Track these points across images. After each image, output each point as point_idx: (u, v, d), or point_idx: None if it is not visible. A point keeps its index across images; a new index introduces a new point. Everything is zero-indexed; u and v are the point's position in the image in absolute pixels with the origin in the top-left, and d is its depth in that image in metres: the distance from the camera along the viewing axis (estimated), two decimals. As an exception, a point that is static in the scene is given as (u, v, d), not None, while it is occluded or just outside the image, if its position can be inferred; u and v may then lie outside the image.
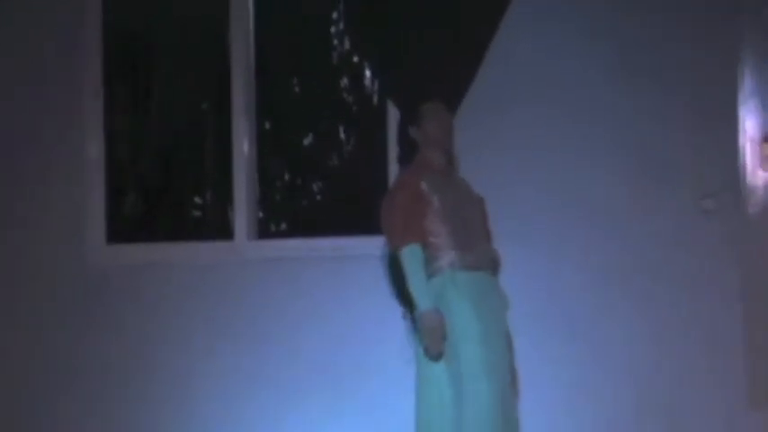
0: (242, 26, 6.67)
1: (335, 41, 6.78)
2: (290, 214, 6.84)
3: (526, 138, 6.25)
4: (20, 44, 6.79)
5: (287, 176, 6.86)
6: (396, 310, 5.77)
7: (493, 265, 5.39)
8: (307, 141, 6.83)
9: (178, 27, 6.92)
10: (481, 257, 5.32)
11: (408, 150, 6.28)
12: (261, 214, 6.78)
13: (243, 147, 6.64)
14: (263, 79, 6.73)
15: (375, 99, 6.70)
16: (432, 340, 5.15)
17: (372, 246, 6.44)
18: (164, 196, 6.95)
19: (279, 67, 6.79)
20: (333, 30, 6.78)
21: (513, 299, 5.44)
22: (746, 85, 6.16)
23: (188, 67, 6.92)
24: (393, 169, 6.40)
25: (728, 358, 6.09)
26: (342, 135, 6.77)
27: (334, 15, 6.79)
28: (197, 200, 6.88)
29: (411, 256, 5.21)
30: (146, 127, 6.97)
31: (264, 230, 6.77)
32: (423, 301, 5.17)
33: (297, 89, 6.86)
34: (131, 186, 6.96)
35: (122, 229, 6.84)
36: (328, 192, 6.81)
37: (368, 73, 6.70)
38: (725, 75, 6.14)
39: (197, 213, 6.89)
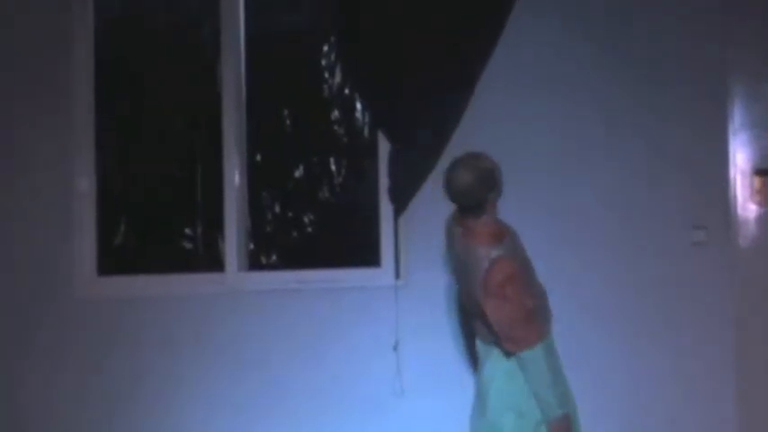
0: (233, 58, 6.69)
1: (326, 74, 6.76)
2: (281, 246, 6.80)
3: (519, 164, 6.24)
4: (9, 76, 6.76)
5: (278, 208, 6.82)
6: (388, 341, 5.76)
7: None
8: (298, 173, 6.80)
9: (169, 59, 6.90)
10: (551, 320, 4.99)
11: (399, 182, 6.29)
12: (252, 246, 6.74)
13: (234, 178, 6.64)
14: (253, 111, 6.72)
15: (366, 131, 6.68)
16: None
17: (363, 277, 6.42)
18: (154, 228, 6.90)
19: (270, 99, 6.77)
20: (324, 62, 6.76)
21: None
22: (737, 119, 6.16)
23: (179, 99, 6.89)
24: (384, 201, 6.39)
25: (720, 389, 6.08)
26: (333, 167, 6.74)
27: (325, 48, 6.76)
28: (188, 231, 6.84)
29: (536, 362, 4.74)
30: (137, 159, 6.93)
31: (255, 262, 6.73)
32: (552, 409, 4.75)
33: (288, 121, 6.85)
34: (122, 218, 6.91)
35: (113, 261, 6.80)
36: (319, 223, 6.78)
37: (359, 105, 6.68)
38: (716, 109, 6.15)
39: (188, 245, 6.85)
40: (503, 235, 4.89)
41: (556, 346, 4.95)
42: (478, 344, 4.99)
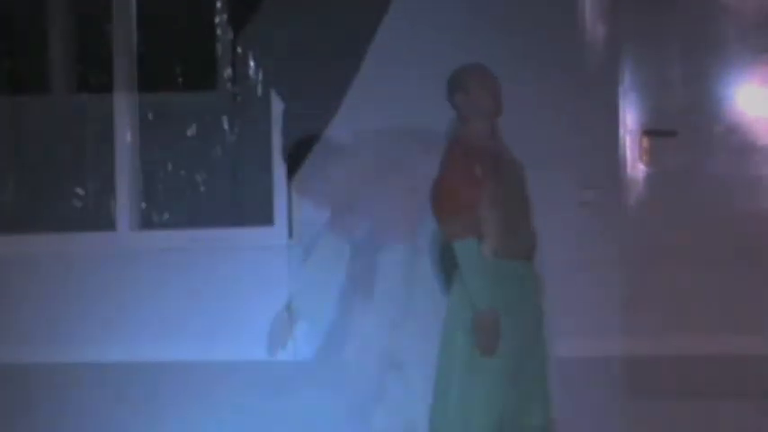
0: (124, 14, 6.59)
1: (219, 31, 6.72)
2: (174, 205, 6.77)
3: (414, 125, 6.27)
4: None
5: (170, 167, 6.78)
6: (280, 302, 5.76)
7: (528, 253, 5.20)
8: (190, 132, 6.76)
9: (60, 14, 6.80)
10: (519, 246, 5.14)
11: (292, 141, 6.30)
12: (144, 205, 6.70)
13: (125, 136, 6.59)
14: (145, 68, 6.66)
15: (259, 90, 6.66)
16: (484, 340, 4.96)
17: (256, 237, 6.43)
18: (44, 186, 6.83)
19: (162, 56, 6.72)
20: (217, 19, 6.72)
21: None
22: (627, 80, 6.25)
23: (70, 55, 6.81)
24: (277, 160, 6.40)
25: (607, 345, 6.16)
26: (225, 126, 6.71)
27: (219, 4, 6.72)
28: (79, 190, 6.77)
29: (467, 251, 4.98)
30: (26, 116, 6.84)
31: (147, 221, 6.70)
32: (478, 299, 4.96)
33: (180, 79, 6.80)
34: (10, 176, 6.83)
35: (1, 219, 6.71)
36: (211, 182, 6.77)
37: (252, 63, 6.66)
38: (606, 69, 6.21)
39: (78, 204, 6.79)
40: (476, 145, 5.10)
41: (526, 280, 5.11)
42: None
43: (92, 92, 6.84)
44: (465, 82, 5.16)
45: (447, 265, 5.28)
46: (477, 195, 4.99)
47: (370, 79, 6.34)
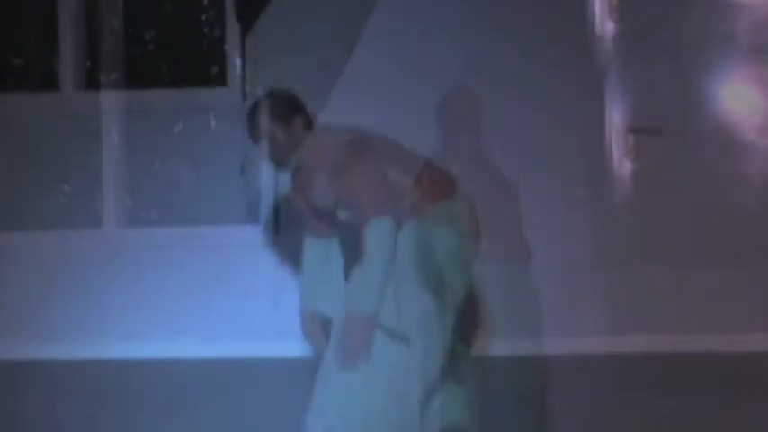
0: (111, 11, 6.61)
1: (206, 28, 6.74)
2: (160, 202, 6.78)
3: (396, 121, 6.27)
4: None
5: (156, 164, 6.78)
6: (268, 298, 5.76)
7: (520, 257, 5.23)
8: (177, 129, 6.76)
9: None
10: (502, 249, 5.17)
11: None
12: (130, 202, 6.70)
13: (112, 134, 6.58)
14: (131, 65, 6.66)
15: (247, 87, 6.67)
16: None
17: (243, 235, 6.43)
18: (30, 184, 6.83)
19: (148, 53, 6.74)
20: (204, 17, 6.73)
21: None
22: (613, 78, 6.29)
23: (55, 47, 6.82)
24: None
25: (597, 343, 6.19)
26: (212, 123, 6.72)
27: (206, 2, 6.74)
28: (65, 188, 6.77)
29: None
30: (11, 112, 6.84)
31: (134, 219, 6.70)
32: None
33: (167, 77, 6.81)
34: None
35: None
36: (198, 180, 6.77)
37: (238, 61, 6.67)
38: (592, 68, 6.24)
39: (65, 201, 6.78)
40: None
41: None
42: None
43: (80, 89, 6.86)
44: (442, 105, 5.60)
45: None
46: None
47: (369, 78, 6.35)
